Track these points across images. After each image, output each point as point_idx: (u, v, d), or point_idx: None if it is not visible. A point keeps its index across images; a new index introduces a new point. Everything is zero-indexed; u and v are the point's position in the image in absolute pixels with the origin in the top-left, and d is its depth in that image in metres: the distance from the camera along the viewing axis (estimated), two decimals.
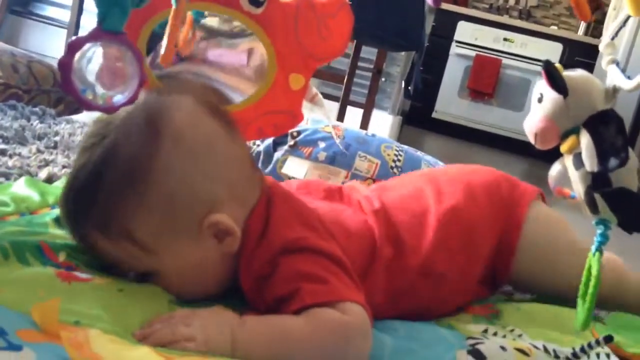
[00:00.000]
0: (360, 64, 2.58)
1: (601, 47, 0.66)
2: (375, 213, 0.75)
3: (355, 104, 2.64)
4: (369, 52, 2.72)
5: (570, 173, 0.61)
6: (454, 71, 4.83)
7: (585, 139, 0.59)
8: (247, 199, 0.67)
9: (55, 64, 0.77)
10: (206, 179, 0.63)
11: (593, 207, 0.59)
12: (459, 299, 0.78)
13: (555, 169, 0.63)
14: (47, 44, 3.46)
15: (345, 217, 0.74)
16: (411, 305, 0.74)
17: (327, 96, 2.89)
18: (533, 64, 4.63)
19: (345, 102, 2.56)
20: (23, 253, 0.60)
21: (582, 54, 4.46)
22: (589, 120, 0.60)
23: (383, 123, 3.35)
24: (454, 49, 4.82)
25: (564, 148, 0.61)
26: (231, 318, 0.58)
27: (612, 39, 0.67)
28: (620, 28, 0.67)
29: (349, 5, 0.72)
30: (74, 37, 0.49)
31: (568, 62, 4.48)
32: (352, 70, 2.52)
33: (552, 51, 4.60)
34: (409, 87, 2.36)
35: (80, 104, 0.47)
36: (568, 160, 0.61)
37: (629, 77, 0.62)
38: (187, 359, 0.52)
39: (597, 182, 0.58)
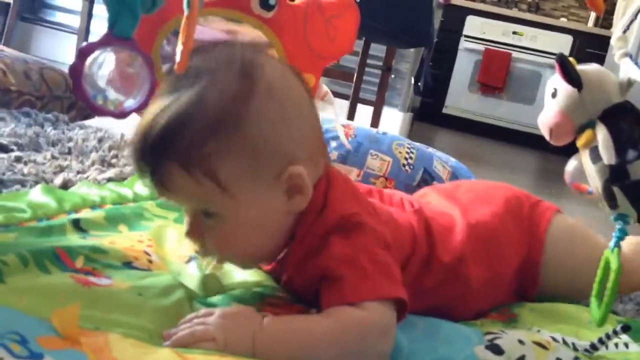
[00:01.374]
0: (369, 61, 2.58)
1: (613, 41, 0.66)
2: (415, 212, 0.79)
3: (365, 102, 2.63)
4: (378, 50, 2.71)
5: (586, 168, 0.61)
6: (463, 66, 4.81)
7: (601, 133, 0.59)
8: (318, 166, 0.69)
9: (66, 69, 0.78)
10: (291, 133, 0.65)
11: (612, 202, 0.58)
12: (479, 305, 0.80)
13: (571, 165, 0.63)
14: (58, 50, 3.48)
15: (392, 210, 0.77)
16: (431, 304, 0.75)
17: (337, 94, 2.88)
18: (543, 56, 4.61)
19: (355, 100, 2.55)
20: (42, 260, 0.60)
21: (593, 46, 4.43)
22: (604, 113, 0.59)
23: (394, 120, 3.34)
24: (463, 44, 4.81)
25: (580, 142, 0.60)
26: (253, 320, 0.58)
27: (624, 32, 0.66)
28: (632, 21, 0.66)
29: (356, 5, 0.72)
30: (84, 43, 0.49)
31: (578, 54, 4.45)
32: (361, 68, 2.52)
33: (562, 43, 4.58)
34: (419, 84, 2.35)
35: (91, 109, 0.47)
36: (584, 155, 0.61)
37: None
38: (209, 358, 0.52)
39: (616, 175, 0.57)
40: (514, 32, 4.76)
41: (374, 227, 0.66)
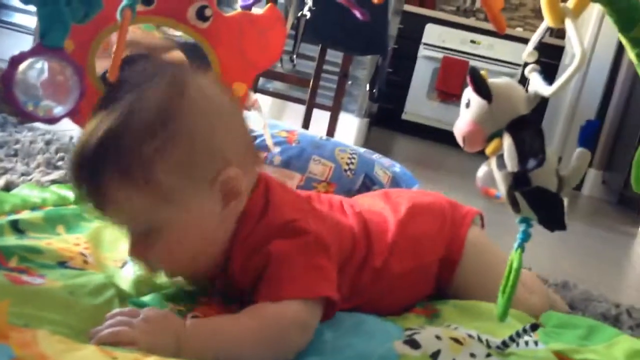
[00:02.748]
0: (326, 67, 2.62)
1: (524, 56, 0.71)
2: (355, 215, 0.83)
3: (322, 107, 2.67)
4: (336, 56, 2.75)
5: (495, 174, 0.65)
6: (422, 73, 4.90)
7: (507, 142, 0.63)
8: (251, 173, 0.72)
9: None
10: (225, 137, 0.68)
11: (515, 206, 0.63)
12: (407, 300, 0.84)
13: (481, 171, 0.67)
14: (14, 50, 3.43)
15: (335, 215, 0.81)
16: (366, 299, 0.79)
17: (294, 99, 2.92)
18: (500, 65, 4.72)
19: (311, 105, 2.59)
20: None
21: (547, 55, 4.55)
22: (510, 125, 0.64)
23: (350, 125, 3.39)
24: (422, 51, 4.90)
25: (488, 150, 0.65)
26: (176, 323, 0.60)
27: (535, 48, 0.71)
28: (541, 38, 0.71)
29: (284, 19, 0.76)
30: (16, 53, 0.51)
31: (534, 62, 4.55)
32: (317, 74, 2.55)
33: (518, 52, 4.69)
34: (374, 90, 2.39)
35: (21, 115, 0.50)
36: (493, 161, 0.65)
37: (549, 84, 0.66)
38: (132, 356, 0.55)
39: (518, 182, 0.62)
40: (472, 41, 4.87)
41: (315, 231, 0.70)
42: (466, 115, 0.67)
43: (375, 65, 2.30)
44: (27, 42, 3.32)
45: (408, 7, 4.79)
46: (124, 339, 0.56)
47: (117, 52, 0.58)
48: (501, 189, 0.65)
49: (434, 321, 0.79)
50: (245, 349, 0.61)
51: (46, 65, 0.56)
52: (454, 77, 4.81)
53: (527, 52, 0.71)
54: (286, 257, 0.66)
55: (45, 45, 0.52)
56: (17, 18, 3.84)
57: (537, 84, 0.67)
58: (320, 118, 2.67)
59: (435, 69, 4.87)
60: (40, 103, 0.54)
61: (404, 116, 4.95)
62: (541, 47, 0.71)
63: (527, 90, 0.67)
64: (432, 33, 4.89)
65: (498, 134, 0.65)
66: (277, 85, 3.15)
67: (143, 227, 0.66)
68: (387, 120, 4.83)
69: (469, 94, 0.67)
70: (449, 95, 4.85)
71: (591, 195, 3.63)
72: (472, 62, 4.79)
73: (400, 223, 0.84)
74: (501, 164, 0.64)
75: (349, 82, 2.98)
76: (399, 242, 0.82)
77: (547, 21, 0.67)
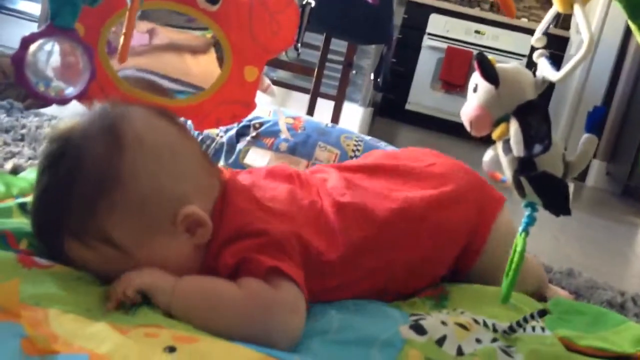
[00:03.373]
0: (331, 56, 2.62)
1: (532, 41, 0.71)
2: (334, 203, 0.77)
3: (326, 96, 2.67)
4: (340, 45, 2.75)
5: (501, 158, 0.65)
6: (426, 63, 4.88)
7: (513, 127, 0.63)
8: (210, 190, 0.71)
9: None
10: (172, 176, 0.66)
11: (520, 190, 0.63)
12: (415, 282, 0.82)
13: (488, 155, 0.68)
14: (18, 38, 3.43)
15: (305, 203, 0.76)
16: (367, 287, 0.77)
17: (298, 88, 2.92)
18: (504, 55, 4.70)
19: (315, 95, 2.59)
20: None
21: (552, 46, 4.52)
22: (517, 109, 0.64)
23: (354, 115, 3.39)
24: (426, 41, 4.88)
25: (495, 135, 0.65)
26: (171, 277, 0.63)
27: (544, 33, 0.71)
28: (550, 24, 0.72)
29: (295, 3, 0.76)
30: (27, 33, 0.52)
31: None
32: (322, 63, 2.55)
33: (522, 43, 4.68)
34: (378, 80, 2.39)
35: (32, 96, 0.50)
36: (499, 146, 0.66)
37: (557, 70, 0.66)
38: (143, 331, 0.55)
39: (523, 167, 0.62)
40: (476, 31, 4.84)
41: (269, 230, 0.67)
42: (473, 100, 0.68)
43: (380, 55, 2.29)
44: (31, 29, 3.32)
45: None
46: (132, 276, 0.61)
47: (126, 36, 0.59)
48: (507, 174, 0.65)
49: (442, 304, 0.79)
50: (229, 318, 0.60)
51: (56, 47, 0.57)
52: (458, 68, 4.79)
53: (535, 38, 0.72)
54: (244, 251, 0.65)
55: (56, 26, 0.53)
56: (21, 5, 3.84)
57: (545, 69, 0.67)
58: (324, 107, 2.67)
59: (439, 59, 4.86)
60: (51, 84, 0.54)
61: (408, 106, 4.94)
62: (546, 38, 0.71)
63: (534, 75, 0.67)
64: (436, 23, 4.88)
65: (505, 119, 0.65)
66: (280, 74, 3.15)
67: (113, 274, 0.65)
68: (390, 110, 4.82)
69: (476, 78, 0.68)
70: (452, 85, 4.84)
71: (595, 186, 3.63)
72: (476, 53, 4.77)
73: (404, 201, 0.79)
74: (507, 149, 0.64)
75: (353, 72, 2.98)
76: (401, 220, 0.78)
77: (556, 6, 0.67)
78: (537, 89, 0.67)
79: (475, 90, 0.68)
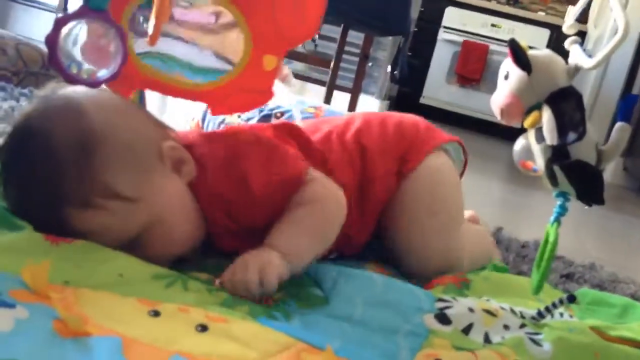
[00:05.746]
0: (347, 48, 2.60)
1: (564, 28, 0.70)
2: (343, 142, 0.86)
3: (342, 89, 2.66)
4: (356, 37, 2.74)
5: (532, 147, 0.65)
6: (441, 57, 4.85)
7: (546, 114, 0.63)
8: (175, 136, 0.75)
9: (43, 46, 0.79)
10: (140, 122, 0.71)
11: (553, 180, 0.62)
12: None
13: (519, 144, 0.67)
14: (36, 28, 3.45)
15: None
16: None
17: (314, 80, 2.92)
18: None
19: (332, 87, 2.58)
20: (11, 219, 0.62)
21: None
22: (550, 97, 0.63)
23: (370, 107, 3.38)
24: (442, 35, 4.85)
25: (527, 123, 0.64)
26: (267, 250, 0.66)
27: (576, 20, 0.70)
28: (583, 10, 0.71)
29: None
30: (60, 14, 0.51)
31: (555, 48, 4.48)
32: (339, 55, 2.54)
33: (540, 37, 4.64)
34: (395, 72, 2.38)
35: (65, 78, 0.50)
36: (531, 134, 0.65)
37: (590, 56, 0.65)
38: (174, 306, 0.56)
39: (557, 155, 0.61)
40: (493, 25, 4.81)
41: (255, 134, 0.76)
42: (504, 87, 0.67)
43: (397, 46, 2.28)
44: (48, 20, 3.33)
45: None
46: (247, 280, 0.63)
47: (158, 17, 0.58)
48: (539, 163, 0.64)
49: (464, 293, 0.78)
50: (324, 231, 0.71)
51: (85, 29, 0.56)
52: (474, 62, 4.76)
53: (567, 25, 0.71)
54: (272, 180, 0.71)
55: (90, 7, 0.52)
56: None
57: (578, 56, 0.66)
58: (340, 100, 2.67)
59: (455, 53, 4.83)
60: (83, 66, 0.54)
61: (422, 100, 4.91)
62: (562, 33, 0.70)
63: (567, 63, 0.66)
64: (452, 16, 4.84)
65: (537, 107, 0.65)
66: (296, 66, 3.14)
67: (132, 237, 0.66)
68: (405, 104, 4.79)
69: (508, 65, 0.67)
70: (468, 80, 4.80)
71: (613, 182, 3.60)
72: (493, 47, 4.74)
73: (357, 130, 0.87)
74: (540, 137, 0.63)
75: (370, 64, 2.97)
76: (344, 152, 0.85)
77: None
78: (570, 76, 0.66)
79: (506, 77, 0.67)
